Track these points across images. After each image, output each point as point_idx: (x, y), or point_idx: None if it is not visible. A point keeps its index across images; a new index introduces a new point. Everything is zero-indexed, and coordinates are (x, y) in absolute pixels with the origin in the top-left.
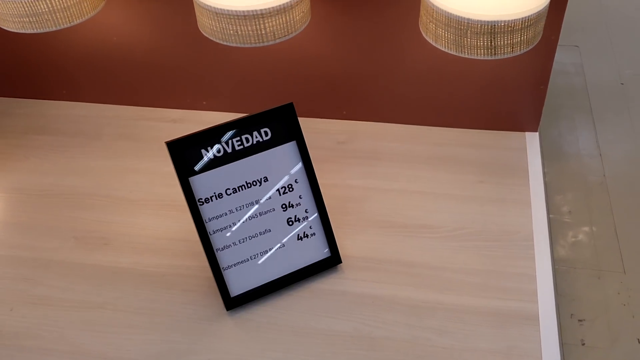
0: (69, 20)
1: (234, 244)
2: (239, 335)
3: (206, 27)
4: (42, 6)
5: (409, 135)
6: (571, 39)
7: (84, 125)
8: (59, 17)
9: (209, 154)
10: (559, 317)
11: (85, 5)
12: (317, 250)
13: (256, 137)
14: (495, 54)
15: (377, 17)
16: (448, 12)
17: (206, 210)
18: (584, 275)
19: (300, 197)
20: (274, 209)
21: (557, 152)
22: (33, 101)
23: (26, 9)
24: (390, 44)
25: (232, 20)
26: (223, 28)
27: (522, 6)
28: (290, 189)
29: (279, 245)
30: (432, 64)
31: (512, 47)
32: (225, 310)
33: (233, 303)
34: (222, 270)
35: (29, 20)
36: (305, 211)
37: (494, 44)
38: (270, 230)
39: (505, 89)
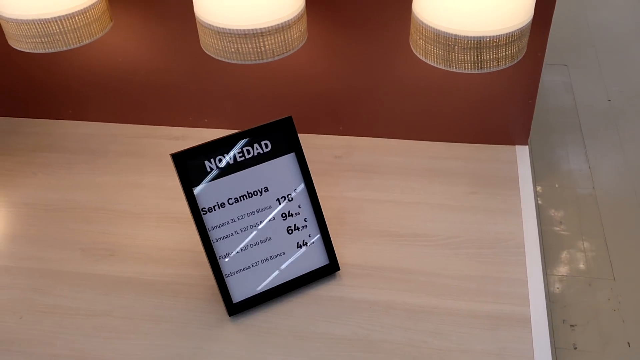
0: (78, 41)
1: (236, 252)
2: (242, 340)
3: (209, 45)
4: (53, 27)
5: (403, 149)
6: (560, 59)
7: (89, 143)
8: (69, 37)
9: (211, 165)
10: (551, 321)
11: (94, 26)
12: (316, 258)
13: (257, 149)
14: (481, 67)
15: (371, 36)
16: (436, 29)
17: (209, 219)
18: (576, 282)
19: (299, 207)
20: (274, 218)
21: (548, 167)
22: (40, 121)
23: (39, 30)
24: (384, 61)
25: (234, 38)
26: (225, 46)
27: (506, 22)
28: (290, 199)
29: (279, 253)
30: (425, 81)
31: (498, 62)
32: (227, 316)
33: (235, 309)
34: (224, 277)
35: (41, 40)
36: (305, 220)
37: (480, 58)
38: (270, 239)
39: (496, 104)
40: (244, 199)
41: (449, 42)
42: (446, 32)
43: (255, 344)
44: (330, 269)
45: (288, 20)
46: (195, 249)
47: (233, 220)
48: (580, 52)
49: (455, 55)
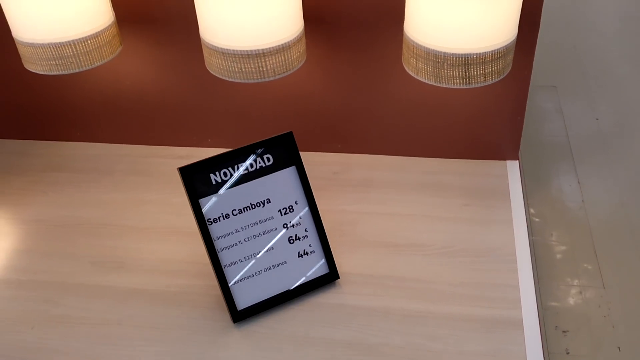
0: (90, 63)
1: (240, 260)
2: (246, 346)
3: (214, 66)
4: (67, 50)
5: (399, 165)
6: (550, 81)
7: (97, 163)
8: (81, 60)
9: (217, 178)
10: (544, 327)
11: (105, 49)
12: (317, 267)
13: (259, 163)
14: (469, 83)
15: (366, 57)
16: (426, 47)
17: (214, 230)
18: (567, 290)
19: (300, 218)
20: (276, 228)
21: (539, 182)
22: (50, 143)
23: (53, 52)
24: (379, 80)
25: (237, 58)
26: (229, 66)
27: (491, 40)
28: (291, 210)
29: (281, 262)
30: (418, 100)
31: (485, 77)
32: (232, 323)
33: (240, 316)
34: (229, 285)
35: (55, 63)
36: (305, 230)
37: (468, 74)
38: (273, 248)
39: (486, 121)
40: (247, 210)
41: (439, 59)
42: (435, 50)
43: (259, 349)
44: (330, 277)
45: (288, 42)
46: (200, 260)
47: (237, 231)
48: (569, 74)
49: (444, 72)
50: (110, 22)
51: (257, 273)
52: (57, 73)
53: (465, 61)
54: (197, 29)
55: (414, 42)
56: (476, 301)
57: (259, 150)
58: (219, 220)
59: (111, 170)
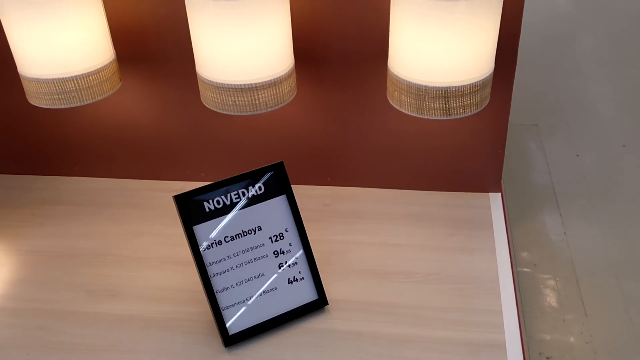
0: (91, 98)
1: (232, 286)
2: None
3: (209, 99)
4: (70, 85)
5: (387, 197)
6: (531, 119)
7: (95, 197)
8: (83, 94)
9: (210, 206)
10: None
11: (106, 85)
12: (306, 293)
13: (251, 191)
14: (449, 114)
15: (353, 91)
16: (409, 81)
17: (207, 256)
18: (550, 319)
19: (290, 245)
20: (267, 255)
21: (522, 215)
22: (49, 177)
23: (57, 87)
24: (366, 115)
25: (231, 92)
26: (223, 99)
27: (469, 74)
28: (281, 237)
29: (271, 288)
30: (404, 134)
31: (464, 109)
32: (223, 347)
33: (231, 340)
34: (221, 310)
35: (58, 97)
36: (295, 257)
37: (448, 106)
38: (263, 274)
39: (468, 155)
40: (239, 237)
41: (420, 92)
42: (417, 84)
43: None
44: (319, 303)
45: (279, 77)
46: (193, 288)
47: (229, 257)
48: (550, 113)
49: (426, 104)
50: (111, 59)
51: (248, 298)
52: (60, 107)
53: (445, 94)
54: (193, 66)
55: (397, 76)
56: (461, 326)
57: (251, 180)
58: (212, 247)
59: (108, 203)
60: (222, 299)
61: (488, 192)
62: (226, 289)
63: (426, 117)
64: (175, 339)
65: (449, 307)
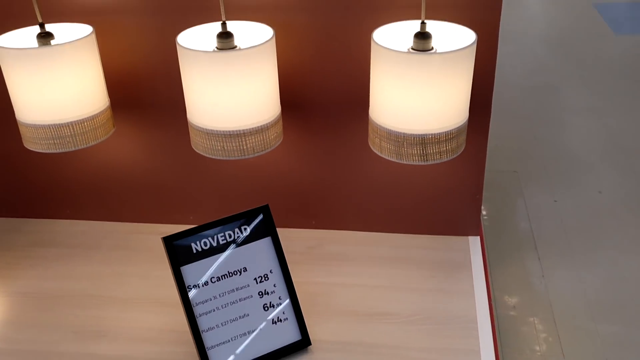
0: (85, 143)
1: (217, 326)
2: None
3: (199, 145)
4: (65, 131)
5: (370, 240)
6: (511, 166)
7: (84, 239)
8: (78, 139)
9: (197, 247)
10: None
11: (100, 131)
12: (290, 333)
13: (237, 233)
14: (427, 160)
15: (337, 138)
16: (388, 129)
17: (194, 296)
18: (530, 358)
19: (274, 286)
20: (251, 296)
21: (502, 258)
22: (40, 220)
23: (52, 133)
24: (349, 160)
25: (220, 138)
26: (212, 145)
27: (445, 122)
28: (266, 279)
29: (256, 327)
30: (386, 179)
31: (440, 155)
32: None
33: None
34: (206, 349)
35: (53, 142)
36: (279, 298)
37: (425, 152)
38: (248, 315)
39: (448, 200)
40: (225, 278)
41: (399, 139)
42: (396, 131)
43: None
44: (302, 344)
45: (266, 123)
46: (180, 329)
47: (215, 297)
48: (530, 161)
49: (404, 150)
50: (105, 107)
51: (234, 338)
52: (55, 151)
53: (422, 140)
54: (184, 113)
55: (377, 124)
56: None
57: (237, 222)
58: (198, 287)
59: (97, 245)
60: (208, 339)
61: (467, 235)
62: (212, 328)
63: (405, 163)
64: None
65: (429, 347)
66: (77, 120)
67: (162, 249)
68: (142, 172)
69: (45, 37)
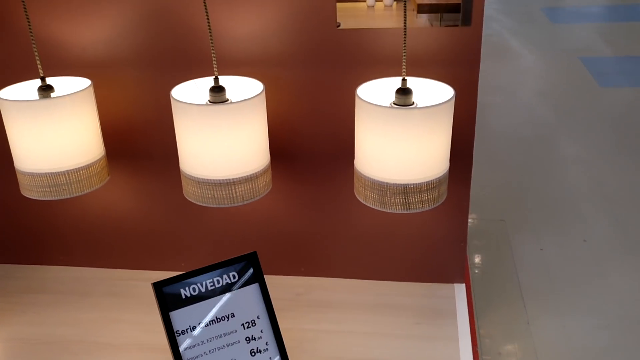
0: (80, 190)
1: None
2: None
3: (190, 193)
4: (61, 179)
5: (356, 287)
6: (498, 215)
7: (77, 286)
8: (73, 187)
9: (186, 293)
10: None
11: (94, 179)
12: None
13: (225, 279)
14: (409, 209)
15: (325, 188)
16: (372, 178)
17: (182, 341)
18: None
19: (261, 332)
20: (239, 341)
21: (488, 305)
22: (33, 267)
23: (49, 180)
24: (337, 210)
25: (211, 186)
26: (203, 193)
27: (426, 173)
28: (253, 324)
29: None
30: (373, 228)
31: (422, 204)
32: None
33: None
34: None
35: (49, 190)
36: (266, 344)
37: (408, 201)
38: (236, 359)
39: (433, 248)
40: (213, 324)
41: (382, 188)
42: (379, 181)
43: None
44: None
45: (255, 172)
46: None
47: (203, 342)
48: (517, 210)
49: (387, 199)
50: (100, 156)
51: None
52: (50, 198)
53: (405, 190)
54: (176, 163)
55: (362, 174)
56: None
57: (226, 268)
58: (187, 332)
59: (90, 292)
60: None
61: (453, 282)
62: None
63: (388, 211)
64: None
65: None
66: (73, 169)
67: (152, 296)
68: (134, 220)
69: (45, 90)
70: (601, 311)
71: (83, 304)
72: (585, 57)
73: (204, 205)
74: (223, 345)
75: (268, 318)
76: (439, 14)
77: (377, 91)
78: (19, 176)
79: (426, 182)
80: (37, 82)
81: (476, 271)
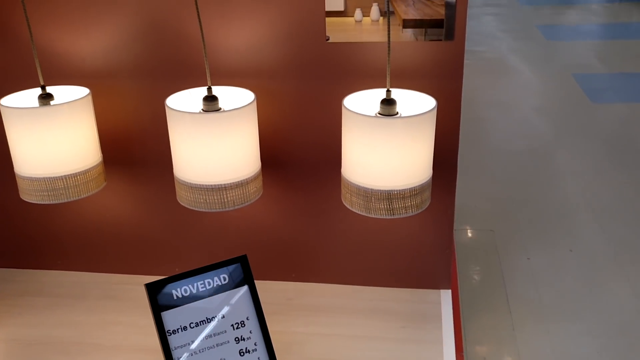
0: (77, 195)
1: None
2: None
3: (183, 198)
4: (59, 183)
5: (346, 293)
6: (488, 225)
7: (73, 289)
8: (70, 192)
9: (178, 294)
10: None
11: (91, 184)
12: None
13: (216, 281)
14: (393, 214)
15: (314, 195)
16: (357, 185)
17: (173, 340)
18: None
19: (250, 332)
20: (228, 341)
21: (475, 311)
22: (31, 271)
23: (47, 185)
24: (326, 217)
25: (203, 191)
26: (195, 198)
27: (409, 179)
28: (243, 325)
29: None
30: (362, 235)
31: (405, 209)
32: None
33: None
34: None
35: (47, 194)
36: (255, 344)
37: (392, 206)
38: (225, 359)
39: (420, 255)
40: (203, 324)
41: (367, 194)
42: (364, 187)
43: None
44: None
45: (246, 178)
46: None
47: (193, 342)
48: (505, 220)
49: (372, 205)
50: (98, 162)
51: None
52: (48, 202)
53: (388, 196)
54: (170, 169)
55: (348, 180)
56: None
57: (217, 270)
58: (178, 332)
59: (86, 295)
60: None
61: (439, 288)
62: None
63: (373, 216)
64: None
65: None
66: (70, 174)
67: (146, 298)
68: (130, 226)
69: (45, 98)
70: (585, 318)
71: (79, 306)
72: (578, 74)
73: (196, 209)
74: (213, 345)
75: (257, 319)
76: (424, 29)
77: (363, 102)
78: (18, 181)
79: (409, 188)
80: (38, 91)
81: (464, 278)
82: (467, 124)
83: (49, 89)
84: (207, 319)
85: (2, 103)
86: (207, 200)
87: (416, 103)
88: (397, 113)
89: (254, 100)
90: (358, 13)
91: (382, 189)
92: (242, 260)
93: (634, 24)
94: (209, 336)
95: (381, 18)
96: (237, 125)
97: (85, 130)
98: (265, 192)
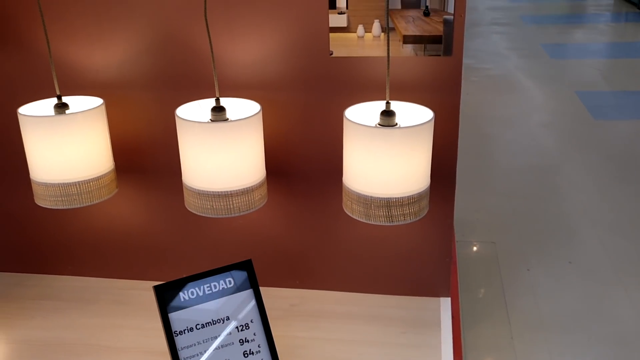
0: (90, 200)
1: None
2: None
3: (191, 204)
4: (72, 189)
5: (348, 299)
6: (490, 237)
7: (83, 294)
8: (83, 197)
9: (185, 296)
10: None
11: (104, 190)
12: None
13: (222, 285)
14: (392, 221)
15: (318, 203)
16: (357, 192)
17: (180, 341)
18: None
19: (254, 334)
20: (233, 343)
21: (475, 320)
22: (43, 276)
23: (61, 191)
24: (329, 225)
25: (210, 198)
26: (203, 204)
27: (407, 188)
28: (247, 327)
29: None
30: (364, 244)
31: (404, 217)
32: None
33: None
34: None
35: (61, 199)
36: (258, 346)
37: (391, 214)
38: None
39: (420, 264)
40: (209, 325)
41: (367, 202)
42: (364, 194)
43: None
44: None
45: (252, 186)
46: None
47: (199, 343)
48: (506, 232)
49: (372, 212)
50: (110, 169)
51: None
52: (62, 207)
53: (387, 203)
54: (179, 176)
55: (349, 188)
56: None
57: (222, 274)
58: (184, 333)
59: (95, 300)
60: None
61: (439, 296)
62: None
63: (373, 223)
64: None
65: None
66: (83, 180)
67: (154, 303)
68: (138, 231)
69: (61, 107)
70: (583, 328)
71: (88, 310)
72: (581, 91)
73: (203, 215)
74: (218, 347)
75: (261, 322)
76: (423, 45)
77: (364, 113)
78: (33, 186)
79: (407, 196)
80: (54, 100)
81: (465, 288)
82: (472, 139)
83: (64, 99)
84: (213, 321)
85: (20, 112)
86: (214, 207)
87: (415, 115)
88: (396, 124)
89: (259, 111)
90: (360, 29)
91: (381, 196)
92: (247, 265)
93: (638, 43)
94: (214, 337)
95: (382, 34)
96: (243, 135)
97: (98, 138)
98: (270, 200)
